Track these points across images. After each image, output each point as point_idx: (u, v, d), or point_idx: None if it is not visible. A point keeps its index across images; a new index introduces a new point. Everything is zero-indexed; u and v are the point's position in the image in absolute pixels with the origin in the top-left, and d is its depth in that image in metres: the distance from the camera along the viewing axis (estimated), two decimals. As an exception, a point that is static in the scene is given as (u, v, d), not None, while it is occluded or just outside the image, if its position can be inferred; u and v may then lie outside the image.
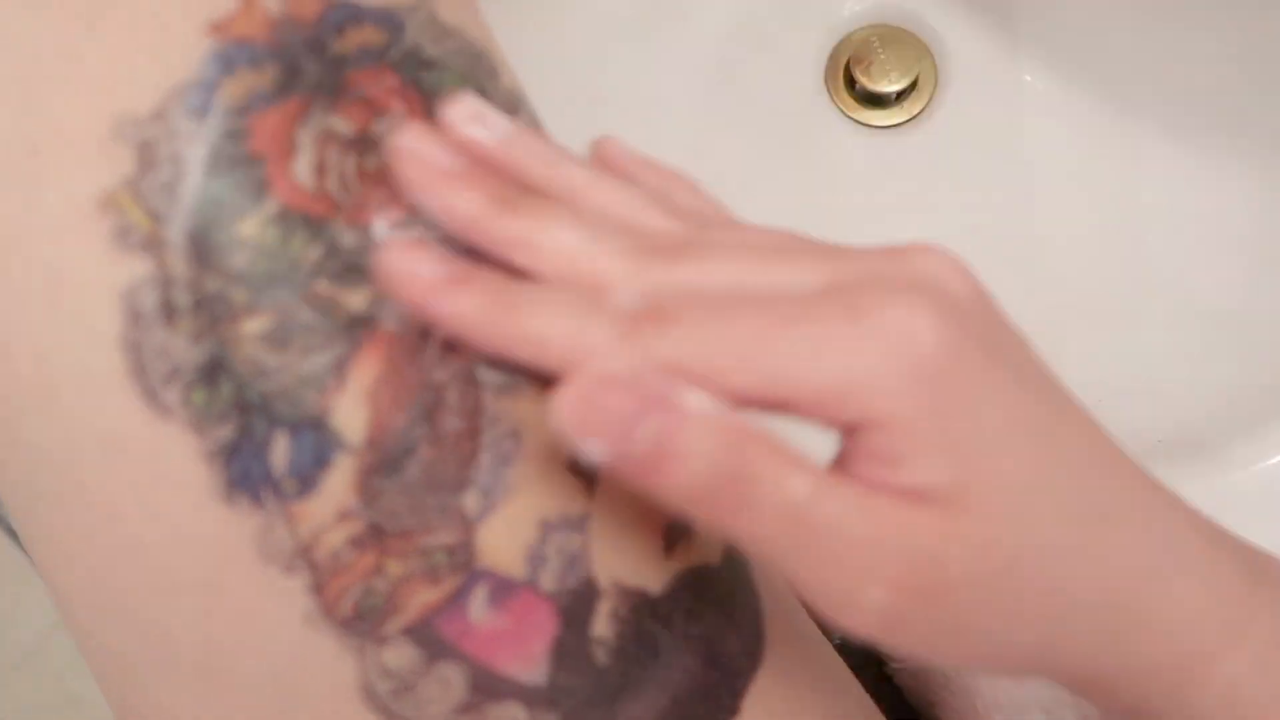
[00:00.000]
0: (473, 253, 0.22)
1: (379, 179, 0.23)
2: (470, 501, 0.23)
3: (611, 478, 0.23)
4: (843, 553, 0.20)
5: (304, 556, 0.22)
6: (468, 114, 0.23)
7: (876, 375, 0.20)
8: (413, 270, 0.21)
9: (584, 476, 0.24)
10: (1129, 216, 0.47)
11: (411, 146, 0.22)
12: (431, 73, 0.24)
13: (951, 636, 0.21)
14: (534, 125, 0.26)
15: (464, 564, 0.23)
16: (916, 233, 0.23)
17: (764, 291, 0.21)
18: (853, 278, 0.21)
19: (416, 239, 0.23)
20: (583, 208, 0.23)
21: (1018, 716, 0.35)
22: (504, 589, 0.23)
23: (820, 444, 0.22)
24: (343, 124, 0.23)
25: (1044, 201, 0.48)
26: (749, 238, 0.23)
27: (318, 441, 0.22)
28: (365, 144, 0.23)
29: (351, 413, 0.22)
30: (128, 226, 0.22)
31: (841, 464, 0.21)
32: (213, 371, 0.22)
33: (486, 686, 0.23)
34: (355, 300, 0.22)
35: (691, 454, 0.20)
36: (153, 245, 0.22)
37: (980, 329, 0.21)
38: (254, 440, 0.22)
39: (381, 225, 0.23)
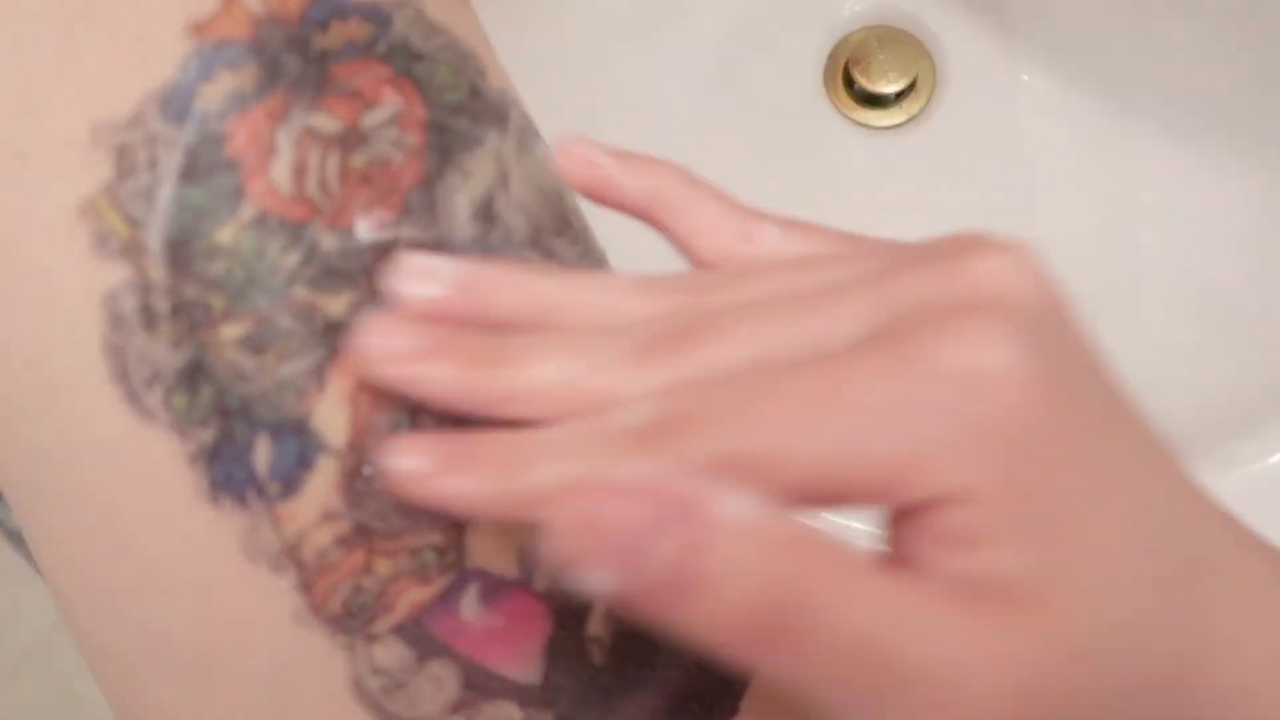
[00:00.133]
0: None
1: (364, 178, 0.23)
2: None
3: (624, 611, 0.18)
4: (930, 694, 0.16)
5: (290, 555, 0.22)
6: (412, 274, 0.22)
7: (948, 441, 0.17)
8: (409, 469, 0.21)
9: None
10: (1129, 216, 0.47)
11: (367, 341, 0.21)
12: (422, 64, 0.24)
13: None
14: (527, 127, 0.26)
15: (454, 563, 0.23)
16: (916, 233, 0.23)
17: (796, 354, 0.18)
18: (898, 308, 0.18)
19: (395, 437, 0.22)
20: (564, 322, 0.21)
21: None
22: (496, 588, 0.23)
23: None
24: (326, 121, 0.23)
25: (1043, 201, 0.48)
26: (758, 289, 0.20)
27: (299, 444, 0.22)
28: (351, 140, 0.23)
29: (332, 416, 0.22)
30: (106, 233, 0.22)
31: (900, 555, 0.18)
32: (193, 376, 0.22)
33: (480, 684, 0.23)
34: (335, 306, 0.22)
35: (726, 577, 0.16)
36: (131, 251, 0.22)
37: (1059, 353, 0.18)
38: (236, 443, 0.22)
39: (365, 227, 0.23)
